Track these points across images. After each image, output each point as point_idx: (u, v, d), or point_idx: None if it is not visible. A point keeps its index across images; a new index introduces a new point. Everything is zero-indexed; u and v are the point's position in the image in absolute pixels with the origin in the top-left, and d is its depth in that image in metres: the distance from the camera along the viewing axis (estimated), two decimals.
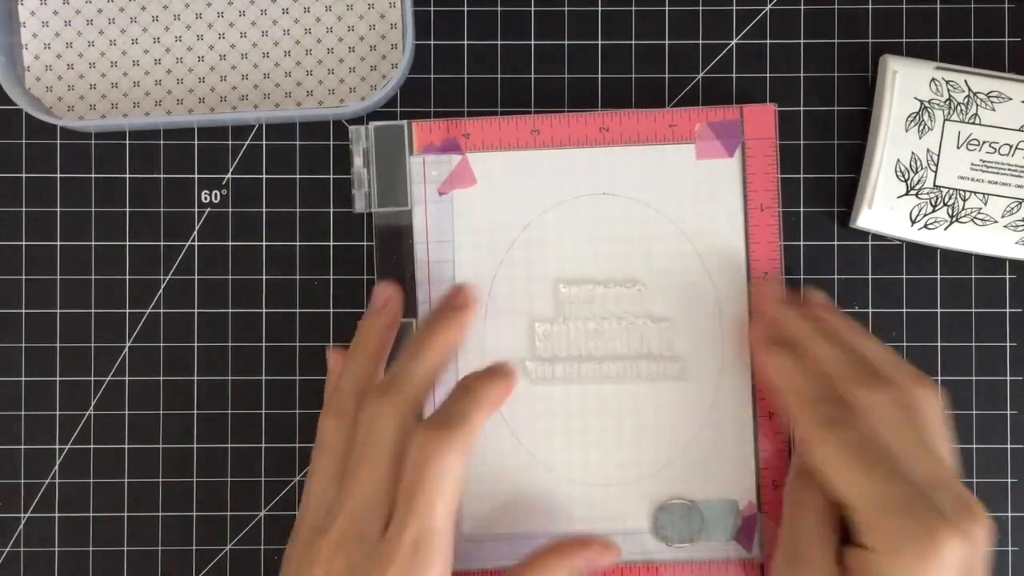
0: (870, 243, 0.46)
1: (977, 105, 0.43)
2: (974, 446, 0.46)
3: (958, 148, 0.43)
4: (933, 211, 0.44)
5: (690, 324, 0.45)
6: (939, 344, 0.46)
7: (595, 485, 0.45)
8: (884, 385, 0.38)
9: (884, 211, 0.44)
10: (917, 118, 0.43)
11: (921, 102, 0.43)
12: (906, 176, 0.43)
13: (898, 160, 0.44)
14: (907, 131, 0.43)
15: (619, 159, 0.45)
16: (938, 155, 0.44)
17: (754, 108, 0.45)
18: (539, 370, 0.45)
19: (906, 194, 0.44)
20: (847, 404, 0.38)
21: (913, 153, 0.44)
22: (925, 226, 0.44)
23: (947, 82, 0.43)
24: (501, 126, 0.45)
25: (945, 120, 0.43)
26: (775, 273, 0.45)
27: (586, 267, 0.45)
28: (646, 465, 0.45)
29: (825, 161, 0.46)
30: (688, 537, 0.44)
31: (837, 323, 0.42)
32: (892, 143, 0.44)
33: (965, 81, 0.43)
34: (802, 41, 0.46)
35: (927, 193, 0.43)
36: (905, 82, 0.43)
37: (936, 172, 0.43)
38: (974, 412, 0.45)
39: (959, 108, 0.43)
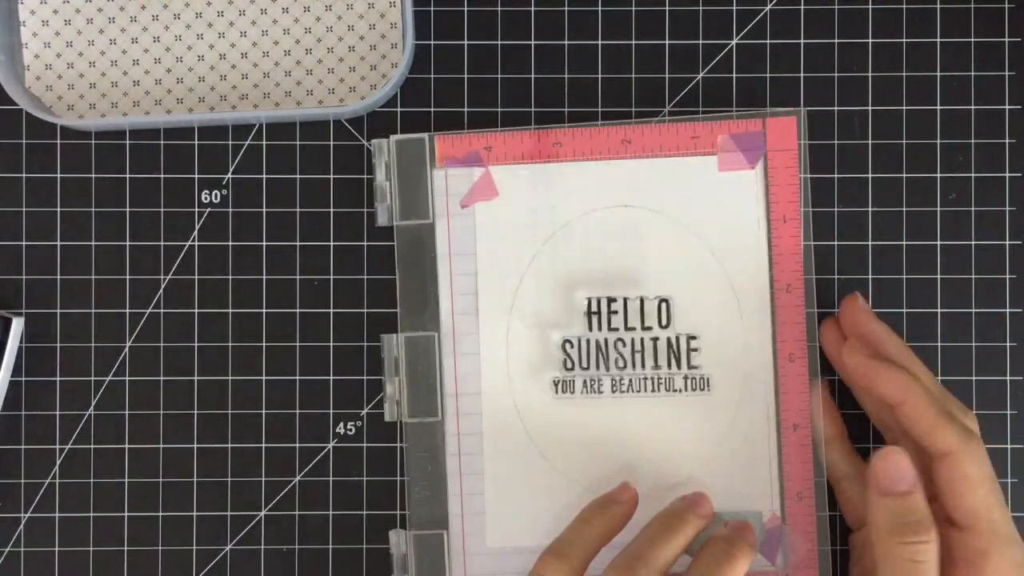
0: (870, 243, 0.46)
1: None
2: None
3: None
4: None
5: (713, 337, 0.45)
6: (939, 344, 0.46)
7: None
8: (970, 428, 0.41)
9: None
10: None
11: None
12: None
13: None
14: None
15: (641, 171, 0.45)
16: None
17: (777, 120, 0.44)
18: (562, 384, 0.45)
19: None
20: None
21: None
22: None
23: None
24: (523, 139, 0.45)
25: None
26: (798, 284, 0.44)
27: (607, 280, 0.45)
28: (670, 477, 0.44)
29: (825, 161, 0.46)
30: None
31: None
32: None
33: None
34: (802, 41, 0.46)
35: None
36: None
37: None
38: (974, 412, 0.45)
39: None
